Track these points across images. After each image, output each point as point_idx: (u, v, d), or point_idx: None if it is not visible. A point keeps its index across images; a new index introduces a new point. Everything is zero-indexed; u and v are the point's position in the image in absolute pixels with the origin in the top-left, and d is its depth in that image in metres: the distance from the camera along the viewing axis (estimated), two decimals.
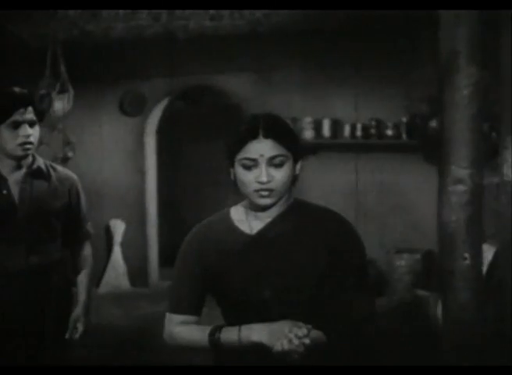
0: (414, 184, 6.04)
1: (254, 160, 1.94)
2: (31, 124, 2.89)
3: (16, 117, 2.85)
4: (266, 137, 1.94)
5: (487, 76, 2.02)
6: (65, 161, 5.21)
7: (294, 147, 1.99)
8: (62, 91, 4.93)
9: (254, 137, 1.94)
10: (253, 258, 2.00)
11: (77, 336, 2.98)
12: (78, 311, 3.02)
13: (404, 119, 6.03)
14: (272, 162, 1.94)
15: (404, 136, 6.06)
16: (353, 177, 6.24)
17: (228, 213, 2.09)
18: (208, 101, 7.89)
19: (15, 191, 2.93)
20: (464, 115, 1.70)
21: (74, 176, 3.08)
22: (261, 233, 2.01)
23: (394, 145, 6.10)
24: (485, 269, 2.05)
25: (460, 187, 1.70)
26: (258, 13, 5.67)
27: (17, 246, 2.91)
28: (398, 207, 6.18)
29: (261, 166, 1.94)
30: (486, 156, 2.07)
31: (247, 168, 1.95)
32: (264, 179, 1.94)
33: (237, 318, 1.98)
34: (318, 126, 6.21)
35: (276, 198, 1.98)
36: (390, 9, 2.49)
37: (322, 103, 6.25)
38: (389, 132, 6.10)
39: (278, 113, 2.00)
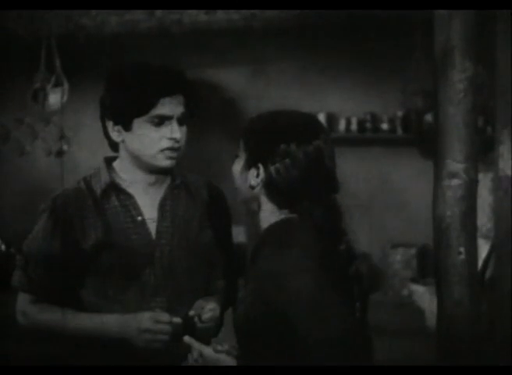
0: (410, 179, 6.04)
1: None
2: (181, 122, 2.02)
3: (163, 109, 1.94)
4: None
5: (482, 70, 2.02)
6: (60, 155, 5.18)
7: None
8: (57, 84, 4.92)
9: None
10: None
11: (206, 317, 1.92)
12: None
13: (400, 114, 6.03)
14: None
15: (400, 130, 6.07)
16: (348, 171, 6.23)
17: None
18: (203, 95, 7.89)
19: (151, 218, 1.97)
20: (459, 109, 1.70)
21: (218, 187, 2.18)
22: None
23: (389, 139, 6.11)
24: (479, 264, 2.06)
25: (455, 182, 1.70)
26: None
27: (153, 303, 1.94)
28: (393, 201, 6.18)
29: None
30: (481, 151, 2.08)
31: None
32: None
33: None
34: None
35: None
36: (387, 9, 2.49)
37: (318, 97, 6.24)
38: (385, 126, 6.11)
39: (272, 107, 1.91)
